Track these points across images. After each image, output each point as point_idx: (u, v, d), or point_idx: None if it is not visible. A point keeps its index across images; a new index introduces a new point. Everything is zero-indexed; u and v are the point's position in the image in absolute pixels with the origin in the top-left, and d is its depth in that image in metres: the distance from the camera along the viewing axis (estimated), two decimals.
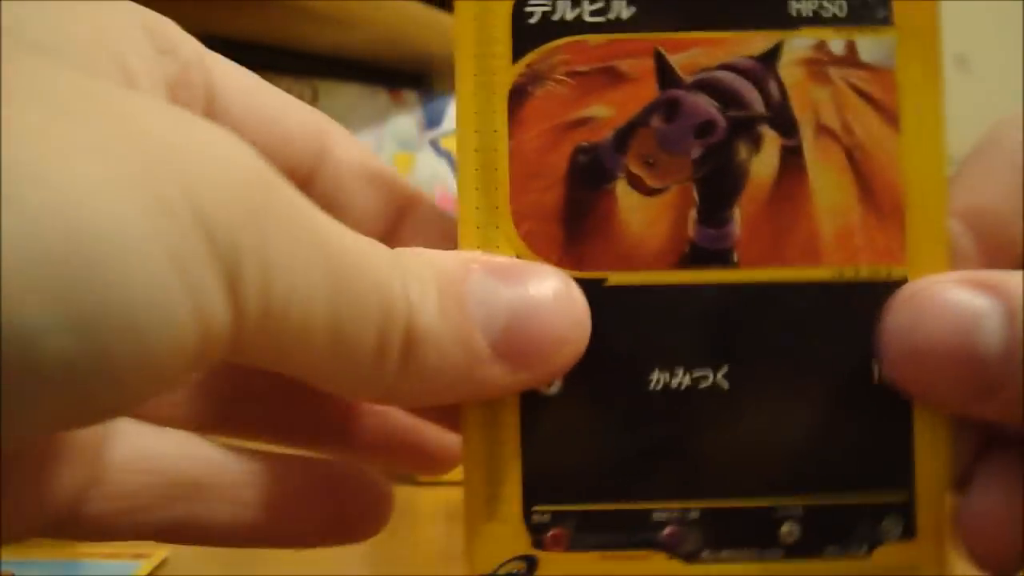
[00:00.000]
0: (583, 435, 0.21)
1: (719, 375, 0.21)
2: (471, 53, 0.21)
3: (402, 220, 0.23)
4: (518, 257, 0.21)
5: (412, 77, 0.95)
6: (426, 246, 0.21)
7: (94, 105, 0.15)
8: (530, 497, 0.21)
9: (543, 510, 0.21)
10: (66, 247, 0.13)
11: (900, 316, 0.21)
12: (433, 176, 0.91)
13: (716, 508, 0.21)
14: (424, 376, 0.18)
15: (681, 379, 0.21)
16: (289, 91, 0.69)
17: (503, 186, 0.21)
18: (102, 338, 0.13)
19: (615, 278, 0.21)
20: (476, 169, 0.21)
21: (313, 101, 0.87)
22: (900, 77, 0.22)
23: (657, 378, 0.21)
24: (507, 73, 0.21)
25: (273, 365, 0.17)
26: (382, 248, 0.18)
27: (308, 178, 0.23)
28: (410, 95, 0.94)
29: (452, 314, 0.19)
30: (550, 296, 0.20)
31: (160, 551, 0.38)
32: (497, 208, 0.21)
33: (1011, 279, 0.20)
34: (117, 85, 0.17)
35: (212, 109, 0.21)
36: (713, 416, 0.21)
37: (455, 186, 0.21)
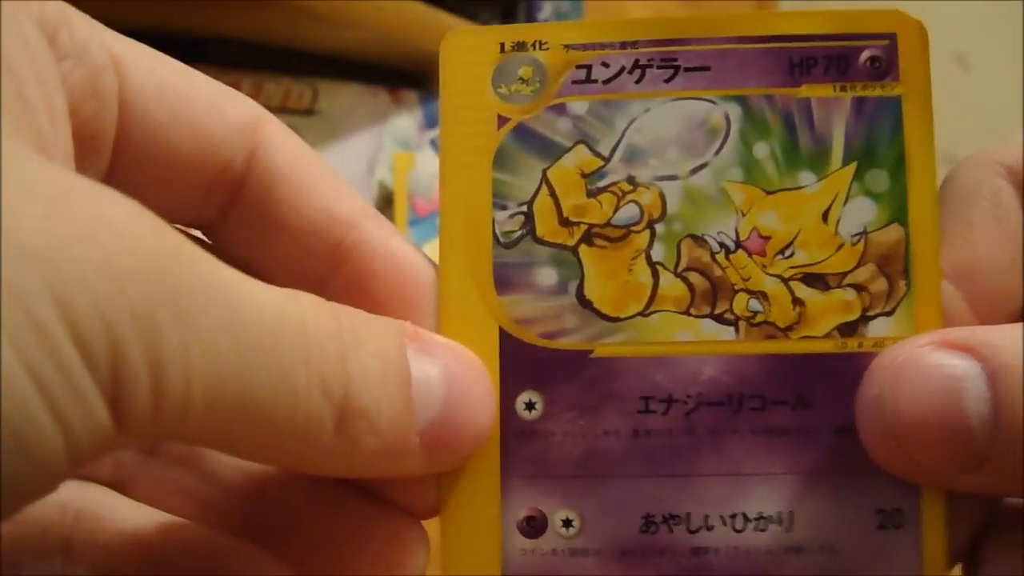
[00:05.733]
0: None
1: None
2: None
3: (351, 235, 0.21)
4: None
5: (412, 77, 0.94)
6: (371, 267, 0.20)
7: None
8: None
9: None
10: None
11: (878, 386, 0.19)
12: (433, 176, 0.90)
13: None
14: (352, 455, 0.18)
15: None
16: (289, 91, 0.68)
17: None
18: None
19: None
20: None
21: (313, 101, 0.87)
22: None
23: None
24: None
25: (179, 442, 0.16)
26: (311, 308, 0.17)
27: (238, 182, 0.21)
28: (410, 95, 0.93)
29: (395, 396, 0.18)
30: (477, 386, 0.20)
31: None
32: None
33: (988, 336, 0.19)
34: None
35: (126, 120, 0.19)
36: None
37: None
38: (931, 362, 0.19)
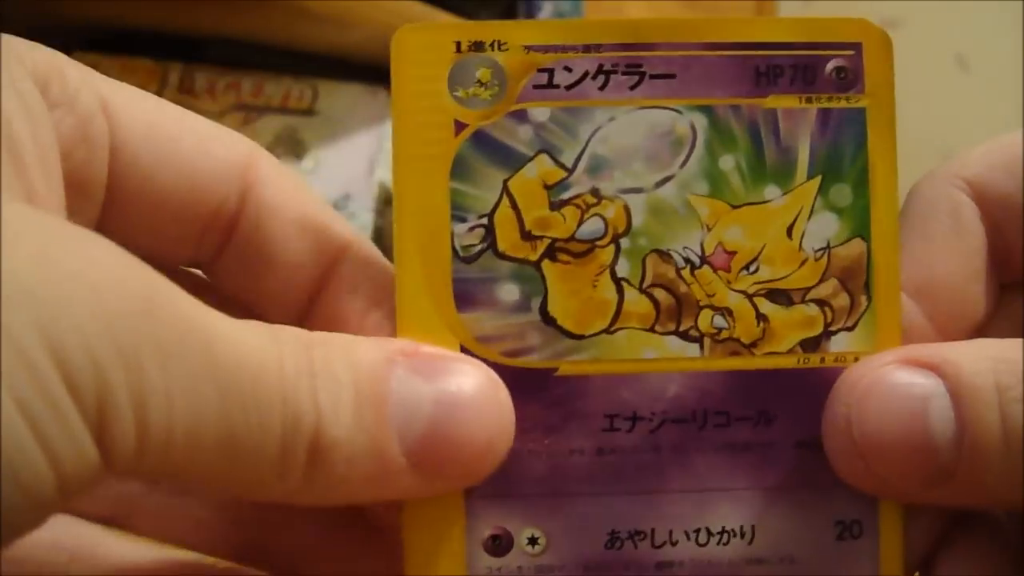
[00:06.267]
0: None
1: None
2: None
3: (335, 267, 0.21)
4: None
5: None
6: (360, 297, 0.20)
7: None
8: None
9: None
10: None
11: (845, 405, 0.20)
12: None
13: None
14: (331, 485, 0.17)
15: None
16: (289, 91, 0.68)
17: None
18: None
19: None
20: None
21: (313, 101, 0.86)
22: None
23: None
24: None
25: (160, 481, 0.16)
26: (291, 342, 0.17)
27: (231, 222, 0.21)
28: None
29: (368, 422, 0.18)
30: (474, 402, 0.19)
31: None
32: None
33: (951, 353, 0.19)
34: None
35: (117, 163, 0.19)
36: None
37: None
38: (896, 381, 0.19)
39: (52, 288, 0.14)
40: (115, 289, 0.15)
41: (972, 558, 0.20)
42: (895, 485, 0.19)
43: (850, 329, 0.21)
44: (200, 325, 0.16)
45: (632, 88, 0.21)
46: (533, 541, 0.21)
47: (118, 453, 0.15)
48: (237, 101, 0.82)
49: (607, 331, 0.21)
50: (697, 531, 0.21)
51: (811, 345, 0.21)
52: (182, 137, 0.20)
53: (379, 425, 0.18)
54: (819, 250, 0.21)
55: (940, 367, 0.19)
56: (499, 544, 0.21)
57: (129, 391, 0.15)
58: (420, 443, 0.18)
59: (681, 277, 0.21)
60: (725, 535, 0.21)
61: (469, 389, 0.19)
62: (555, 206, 0.21)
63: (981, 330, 0.21)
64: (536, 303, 0.21)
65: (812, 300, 0.21)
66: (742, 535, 0.21)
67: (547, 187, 0.21)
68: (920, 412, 0.19)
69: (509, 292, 0.21)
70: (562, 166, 0.21)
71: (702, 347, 0.21)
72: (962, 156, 0.21)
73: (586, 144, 0.21)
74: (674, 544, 0.21)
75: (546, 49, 0.21)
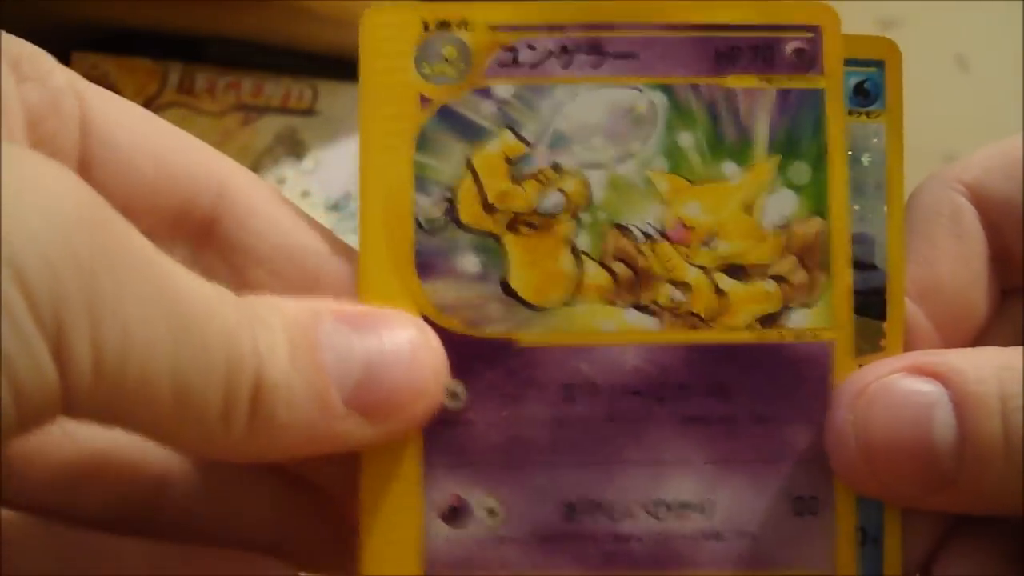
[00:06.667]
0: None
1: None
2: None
3: (320, 273, 0.21)
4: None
5: None
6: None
7: None
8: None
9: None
10: None
11: (849, 412, 0.20)
12: None
13: None
14: (273, 432, 0.17)
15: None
16: (289, 91, 0.68)
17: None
18: None
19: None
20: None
21: (313, 101, 0.87)
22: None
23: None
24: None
25: (111, 421, 0.16)
26: (229, 295, 0.17)
27: (209, 222, 0.21)
28: None
29: (304, 365, 0.18)
30: (406, 346, 0.19)
31: None
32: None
33: (953, 361, 0.19)
34: None
35: (89, 139, 0.20)
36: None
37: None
38: (902, 388, 0.19)
39: (5, 200, 0.14)
40: (69, 199, 0.15)
41: (972, 561, 0.21)
42: (898, 491, 0.20)
43: (808, 306, 0.21)
44: (149, 249, 0.16)
45: (594, 67, 0.21)
46: (491, 512, 0.21)
47: (75, 376, 0.14)
48: (237, 101, 0.82)
49: (566, 303, 0.21)
50: (655, 504, 0.21)
51: (769, 321, 0.21)
52: (155, 132, 0.21)
53: (316, 370, 0.18)
54: (778, 227, 0.21)
55: (945, 375, 0.19)
56: (457, 514, 0.21)
57: (85, 302, 0.14)
58: (357, 388, 0.18)
59: (640, 251, 0.21)
60: (683, 508, 0.21)
61: (399, 336, 0.19)
62: (516, 180, 0.21)
63: (982, 334, 0.22)
64: (497, 274, 0.21)
65: (771, 276, 0.21)
66: (700, 509, 0.21)
67: (509, 161, 0.21)
68: (924, 420, 0.19)
69: (470, 263, 0.21)
70: (524, 141, 0.21)
71: (660, 320, 0.21)
72: (962, 160, 0.22)
73: (548, 120, 0.21)
74: (631, 516, 0.21)
75: (510, 28, 0.21)
